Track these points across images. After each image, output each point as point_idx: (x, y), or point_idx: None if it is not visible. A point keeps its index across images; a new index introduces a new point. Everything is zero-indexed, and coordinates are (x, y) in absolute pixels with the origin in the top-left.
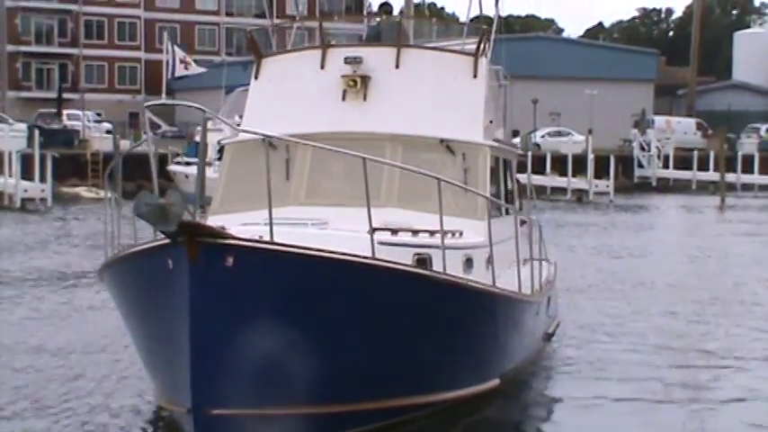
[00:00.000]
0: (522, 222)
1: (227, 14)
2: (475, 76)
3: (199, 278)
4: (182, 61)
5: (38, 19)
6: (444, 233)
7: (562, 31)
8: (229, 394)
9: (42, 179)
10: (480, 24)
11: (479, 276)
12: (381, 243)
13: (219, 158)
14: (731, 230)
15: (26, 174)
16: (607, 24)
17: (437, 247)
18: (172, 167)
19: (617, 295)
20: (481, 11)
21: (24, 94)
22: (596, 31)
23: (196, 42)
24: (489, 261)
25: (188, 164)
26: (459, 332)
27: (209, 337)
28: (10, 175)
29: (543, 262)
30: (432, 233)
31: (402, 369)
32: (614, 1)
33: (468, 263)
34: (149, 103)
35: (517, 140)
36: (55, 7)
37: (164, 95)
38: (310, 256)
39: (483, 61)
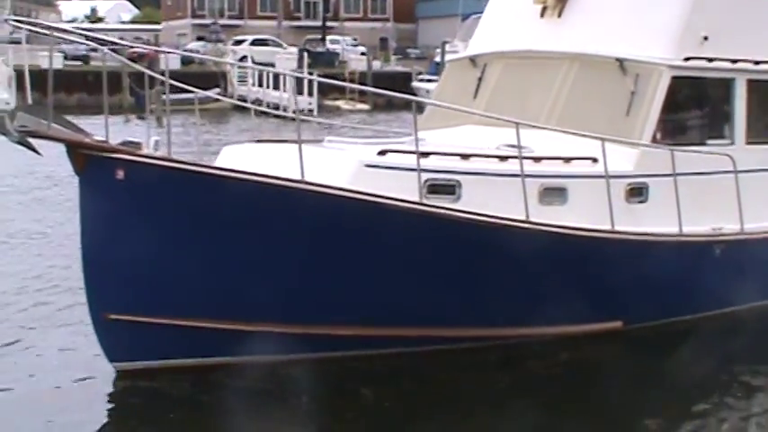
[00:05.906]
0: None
1: None
2: None
3: (87, 189)
4: None
5: None
6: (505, 157)
7: None
8: (124, 300)
9: (310, 93)
10: None
11: (581, 209)
12: (373, 166)
13: None
14: None
15: (297, 88)
16: None
17: (467, 172)
18: (415, 84)
19: None
20: None
21: (295, 23)
22: None
23: None
24: (637, 193)
25: (429, 81)
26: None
27: (99, 244)
28: (284, 90)
29: None
30: (503, 158)
31: (290, 293)
32: None
33: (553, 192)
34: None
35: None
36: None
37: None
38: (197, 172)
39: None
